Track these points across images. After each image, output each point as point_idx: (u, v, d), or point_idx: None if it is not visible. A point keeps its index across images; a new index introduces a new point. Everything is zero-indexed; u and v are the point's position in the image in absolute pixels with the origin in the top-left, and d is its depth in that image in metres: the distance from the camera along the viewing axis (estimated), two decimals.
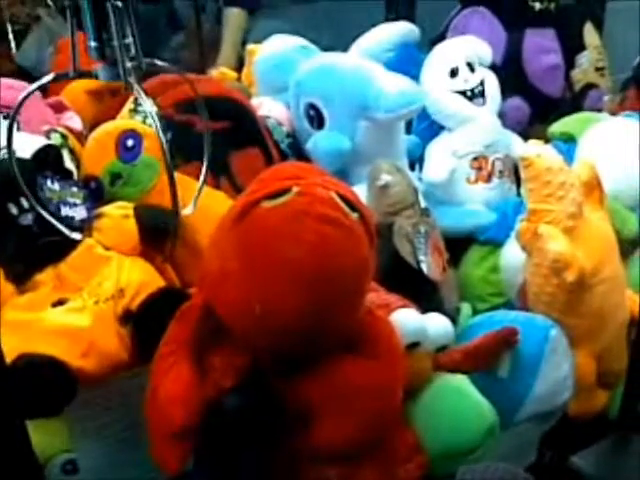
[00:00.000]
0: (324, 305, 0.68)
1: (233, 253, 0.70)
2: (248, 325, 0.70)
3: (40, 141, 0.97)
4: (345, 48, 1.38)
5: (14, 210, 0.83)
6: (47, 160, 0.87)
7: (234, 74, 1.51)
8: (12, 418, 0.50)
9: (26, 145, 0.92)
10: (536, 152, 0.97)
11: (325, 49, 1.36)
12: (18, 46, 1.73)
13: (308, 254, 0.66)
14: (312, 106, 1.20)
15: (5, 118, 1.02)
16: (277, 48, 1.37)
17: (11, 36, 1.73)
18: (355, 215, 0.70)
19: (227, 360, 0.73)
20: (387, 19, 1.75)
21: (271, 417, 0.71)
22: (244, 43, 1.87)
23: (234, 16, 2.06)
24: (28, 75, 1.47)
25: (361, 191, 1.04)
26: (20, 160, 0.84)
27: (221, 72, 1.52)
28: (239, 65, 1.71)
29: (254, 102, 1.26)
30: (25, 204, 0.84)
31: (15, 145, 0.94)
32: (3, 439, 0.49)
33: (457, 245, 1.15)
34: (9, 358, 0.67)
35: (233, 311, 0.71)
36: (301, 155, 1.24)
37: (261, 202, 0.68)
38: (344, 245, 0.68)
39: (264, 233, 0.68)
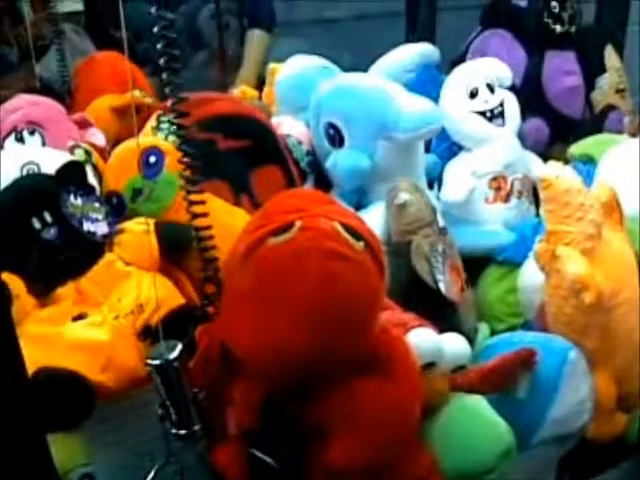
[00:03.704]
0: (334, 338, 0.69)
1: (242, 291, 0.71)
2: (260, 360, 0.70)
3: (65, 157, 0.98)
4: (365, 68, 1.39)
5: (37, 224, 0.85)
6: (71, 175, 0.88)
7: (255, 92, 1.52)
8: (34, 431, 0.50)
9: (51, 160, 0.94)
10: (555, 173, 0.97)
11: (345, 69, 1.37)
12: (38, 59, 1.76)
13: (314, 290, 0.67)
14: (332, 125, 1.20)
15: (31, 134, 1.05)
16: (298, 68, 1.38)
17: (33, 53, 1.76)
18: (361, 244, 0.70)
19: (242, 394, 0.74)
20: (407, 40, 1.76)
21: (291, 447, 0.72)
22: (265, 62, 1.88)
23: (256, 36, 2.08)
24: (51, 90, 1.49)
25: (380, 209, 1.05)
26: (44, 175, 0.86)
27: (242, 90, 1.54)
28: (259, 84, 1.73)
29: (275, 121, 1.27)
30: (48, 218, 0.85)
31: (40, 160, 0.96)
32: (25, 453, 0.50)
33: (475, 265, 1.15)
34: (29, 371, 0.68)
35: (245, 347, 0.71)
36: (320, 173, 1.25)
37: (266, 239, 0.68)
38: (350, 278, 0.68)
39: (270, 271, 0.68)
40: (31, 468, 0.50)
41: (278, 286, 0.68)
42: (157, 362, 0.70)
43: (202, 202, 0.76)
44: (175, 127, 0.74)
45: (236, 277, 0.71)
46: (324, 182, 1.23)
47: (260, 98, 1.50)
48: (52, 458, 0.52)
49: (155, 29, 0.70)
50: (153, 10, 0.69)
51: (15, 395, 0.49)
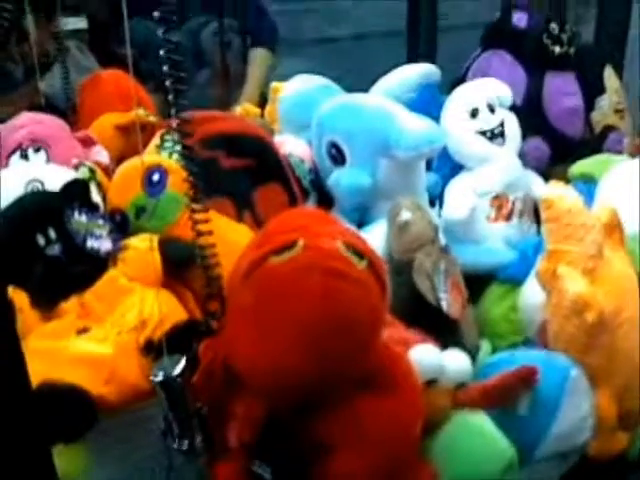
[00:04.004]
0: (335, 357, 0.69)
1: (244, 308, 0.71)
2: (260, 378, 0.71)
3: (69, 174, 0.99)
4: (366, 87, 1.40)
5: (41, 241, 0.85)
6: (75, 193, 0.89)
7: (257, 111, 1.53)
8: (39, 443, 0.51)
9: (55, 178, 0.95)
10: (557, 193, 0.98)
11: (346, 88, 1.38)
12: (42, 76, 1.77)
13: (316, 309, 0.67)
14: (334, 144, 1.21)
15: (36, 151, 1.06)
16: (300, 87, 1.39)
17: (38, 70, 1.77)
18: (363, 263, 0.70)
19: (244, 410, 0.74)
20: (409, 60, 1.78)
21: (292, 463, 0.72)
22: (268, 81, 1.90)
23: (259, 54, 2.09)
24: (55, 107, 1.50)
25: (381, 227, 1.06)
26: (49, 193, 0.86)
27: (244, 108, 1.55)
28: (262, 102, 1.74)
29: (277, 139, 1.29)
30: (52, 235, 0.86)
31: (45, 177, 0.97)
32: (30, 464, 0.50)
33: (476, 283, 1.15)
34: (32, 384, 0.68)
35: (246, 364, 0.71)
36: (322, 192, 1.26)
37: (268, 258, 0.69)
38: (351, 297, 0.69)
39: (272, 290, 0.69)
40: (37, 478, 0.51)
41: (280, 304, 0.68)
42: (161, 377, 0.71)
43: (206, 220, 0.76)
44: (180, 147, 0.74)
45: (238, 294, 0.72)
46: (326, 200, 1.24)
47: (262, 116, 1.51)
48: (56, 470, 0.52)
49: (161, 52, 0.70)
50: (160, 33, 0.69)
51: (20, 407, 0.49)
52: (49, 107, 1.42)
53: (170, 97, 0.72)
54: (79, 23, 1.95)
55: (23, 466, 0.50)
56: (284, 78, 1.49)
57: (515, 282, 1.17)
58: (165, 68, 0.71)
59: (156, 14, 0.69)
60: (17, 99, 1.72)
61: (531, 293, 1.09)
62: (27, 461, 0.50)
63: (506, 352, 1.00)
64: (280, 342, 0.68)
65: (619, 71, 1.65)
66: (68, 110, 1.48)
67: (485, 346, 1.05)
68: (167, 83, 0.71)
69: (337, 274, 0.68)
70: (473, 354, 0.95)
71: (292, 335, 0.67)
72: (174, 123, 0.74)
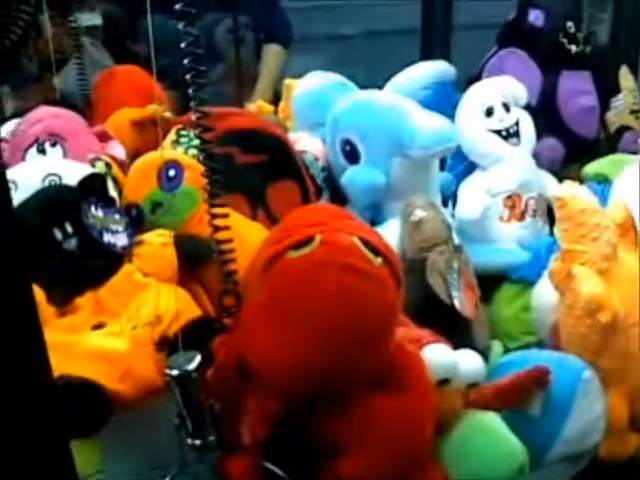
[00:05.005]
0: (350, 353, 0.69)
1: (260, 303, 0.71)
2: (275, 374, 0.71)
3: (86, 169, 1.00)
4: (380, 85, 1.40)
5: (59, 235, 0.86)
6: (93, 187, 0.90)
7: (271, 108, 1.53)
8: (60, 436, 0.51)
9: (72, 172, 0.95)
10: (571, 193, 0.98)
11: (360, 85, 1.38)
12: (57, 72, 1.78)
13: (331, 305, 0.67)
14: (348, 142, 1.21)
15: (52, 146, 1.06)
16: (315, 84, 1.39)
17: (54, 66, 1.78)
18: (379, 260, 0.70)
19: (258, 406, 0.74)
20: (423, 58, 1.77)
21: (305, 462, 0.73)
22: (281, 78, 1.90)
23: (272, 51, 2.09)
24: (70, 102, 1.51)
25: (395, 226, 1.06)
26: (66, 187, 0.87)
27: (258, 105, 1.55)
28: (275, 99, 1.74)
29: (291, 137, 1.29)
30: (69, 229, 0.86)
31: (62, 172, 0.98)
32: (51, 456, 0.51)
33: (488, 283, 1.15)
34: None
35: (261, 360, 0.72)
36: (336, 189, 1.26)
37: (286, 253, 0.69)
38: (368, 294, 0.69)
39: (289, 285, 0.69)
40: (56, 472, 0.51)
41: (296, 300, 0.68)
42: (176, 372, 0.71)
43: (225, 215, 0.77)
44: (199, 141, 0.75)
45: (255, 290, 0.72)
46: (339, 198, 1.24)
47: (276, 113, 1.51)
48: (74, 463, 0.53)
49: (182, 45, 0.71)
50: (180, 26, 0.70)
51: (43, 399, 0.50)
52: (64, 103, 1.43)
53: (190, 90, 0.72)
54: (94, 20, 1.95)
55: (44, 458, 0.50)
56: (297, 75, 1.49)
57: (527, 282, 1.17)
58: (186, 61, 0.71)
59: (177, 6, 0.69)
60: (31, 94, 1.73)
61: (543, 294, 1.09)
62: (49, 453, 0.51)
63: (518, 353, 1.00)
64: (296, 337, 0.68)
65: (635, 71, 1.64)
66: (83, 106, 1.49)
67: (496, 347, 1.05)
68: (187, 76, 0.72)
69: (354, 270, 0.68)
70: (485, 354, 0.95)
71: (308, 330, 0.67)
72: (194, 117, 0.74)
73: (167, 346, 0.83)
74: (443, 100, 1.36)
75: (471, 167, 1.30)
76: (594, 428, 0.91)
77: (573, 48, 1.49)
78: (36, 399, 0.49)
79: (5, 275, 0.46)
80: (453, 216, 1.26)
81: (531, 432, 0.85)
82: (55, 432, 0.50)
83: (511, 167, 1.27)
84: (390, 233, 1.03)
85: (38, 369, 0.48)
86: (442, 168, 1.33)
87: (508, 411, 0.86)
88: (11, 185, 0.90)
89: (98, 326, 0.85)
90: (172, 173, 0.97)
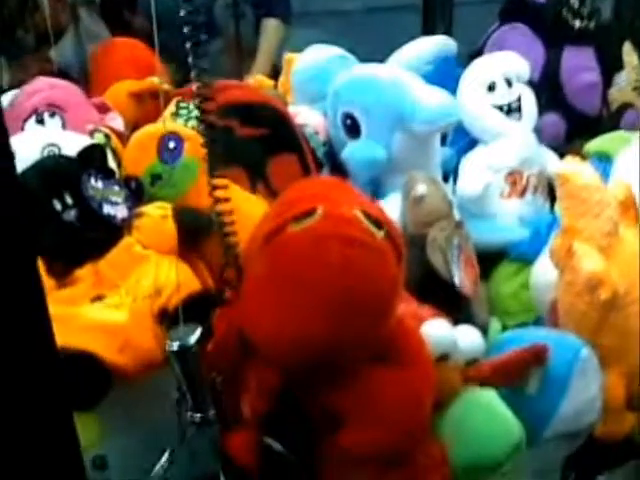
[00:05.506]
0: (352, 326, 0.69)
1: (261, 276, 0.71)
2: (277, 347, 0.70)
3: (85, 140, 0.99)
4: (381, 60, 1.39)
5: (58, 206, 0.85)
6: (92, 158, 0.89)
7: (270, 82, 1.52)
8: (64, 406, 0.51)
9: (72, 143, 0.94)
10: (573, 169, 0.97)
11: (361, 61, 1.37)
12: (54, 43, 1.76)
13: (334, 278, 0.66)
14: (349, 116, 1.21)
15: (51, 116, 1.05)
16: (315, 58, 1.38)
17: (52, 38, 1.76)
18: (381, 233, 0.69)
19: (258, 380, 0.74)
20: (424, 32, 1.76)
21: (304, 436, 0.73)
22: (280, 52, 1.88)
23: (271, 26, 2.07)
24: (67, 74, 1.49)
25: (395, 201, 1.06)
26: (66, 158, 0.86)
27: (257, 80, 1.54)
28: (274, 73, 1.72)
29: (291, 110, 1.28)
30: (69, 200, 0.85)
31: (61, 142, 0.97)
32: (55, 426, 0.51)
33: (487, 260, 1.15)
34: None
35: (262, 333, 0.71)
36: (336, 163, 1.25)
37: (287, 225, 0.68)
38: (370, 267, 0.68)
39: (291, 258, 0.68)
40: (60, 442, 0.51)
41: (298, 272, 0.68)
42: (176, 346, 0.71)
43: (225, 187, 0.76)
44: (199, 112, 0.74)
45: (256, 262, 0.71)
46: (339, 172, 1.23)
47: (275, 88, 1.50)
48: (77, 433, 0.53)
49: (182, 13, 0.70)
50: None
51: (47, 369, 0.50)
52: (61, 74, 1.42)
53: (190, 59, 0.72)
54: None
55: (48, 428, 0.50)
56: (298, 50, 1.48)
57: (526, 260, 1.17)
58: (185, 30, 0.70)
59: None
60: (28, 66, 1.71)
61: (542, 271, 1.09)
62: (53, 423, 0.51)
63: (516, 331, 1.00)
64: (297, 310, 0.67)
65: (638, 48, 1.63)
66: (80, 77, 1.47)
67: (495, 324, 1.05)
68: (187, 45, 0.71)
69: (356, 242, 0.67)
70: (484, 331, 0.95)
71: (309, 303, 0.67)
72: (194, 86, 0.73)
73: (167, 319, 0.83)
74: (445, 75, 1.35)
75: (472, 143, 1.29)
76: (591, 407, 0.91)
77: (577, 23, 1.47)
78: (41, 370, 0.49)
79: (10, 246, 0.46)
80: (454, 192, 1.26)
81: (528, 409, 0.85)
82: (60, 403, 0.50)
83: (512, 143, 1.26)
84: (391, 208, 1.02)
85: (43, 340, 0.48)
86: (443, 143, 1.32)
87: (505, 388, 0.86)
88: None
89: (97, 298, 0.84)
90: (172, 145, 0.97)
